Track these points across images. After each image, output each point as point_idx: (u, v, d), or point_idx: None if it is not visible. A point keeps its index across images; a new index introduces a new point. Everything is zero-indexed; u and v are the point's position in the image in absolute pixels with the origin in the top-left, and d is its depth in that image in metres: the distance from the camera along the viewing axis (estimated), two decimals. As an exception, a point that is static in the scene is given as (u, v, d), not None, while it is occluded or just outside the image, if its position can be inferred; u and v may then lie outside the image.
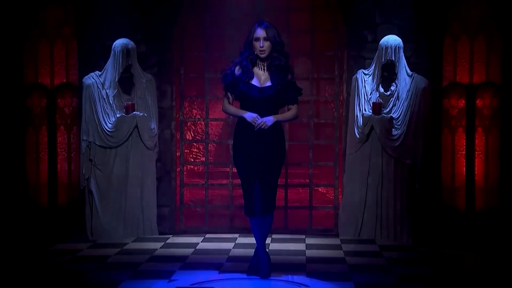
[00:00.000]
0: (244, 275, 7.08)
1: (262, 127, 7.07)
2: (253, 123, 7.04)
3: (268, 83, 7.12)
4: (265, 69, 7.22)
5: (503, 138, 8.34)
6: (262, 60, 7.16)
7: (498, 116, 8.34)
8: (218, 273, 7.19)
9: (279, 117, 7.17)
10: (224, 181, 8.76)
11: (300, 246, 8.05)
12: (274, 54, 7.19)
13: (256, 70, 7.19)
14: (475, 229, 8.23)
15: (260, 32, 7.15)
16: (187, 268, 7.33)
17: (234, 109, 7.28)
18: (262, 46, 7.14)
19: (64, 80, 8.46)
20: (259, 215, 7.08)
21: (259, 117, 7.03)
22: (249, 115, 7.04)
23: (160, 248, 7.86)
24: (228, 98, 7.27)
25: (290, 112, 7.30)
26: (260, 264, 7.09)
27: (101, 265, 7.32)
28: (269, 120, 7.03)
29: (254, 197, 7.11)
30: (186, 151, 8.90)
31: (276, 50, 7.20)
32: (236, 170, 7.50)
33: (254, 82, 7.13)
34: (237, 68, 7.20)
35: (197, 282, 6.93)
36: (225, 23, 8.65)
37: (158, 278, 7.00)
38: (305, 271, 7.20)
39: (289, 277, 7.08)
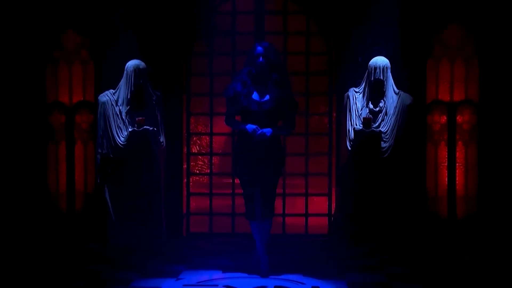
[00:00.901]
0: (246, 274, 7.11)
1: (262, 138, 7.07)
2: (253, 134, 7.06)
3: (267, 97, 7.14)
4: (265, 84, 7.18)
5: (481, 151, 8.33)
6: (262, 75, 7.13)
7: (476, 131, 8.34)
8: (222, 273, 7.21)
9: (277, 129, 7.18)
10: (227, 191, 8.70)
11: (297, 249, 8.02)
12: (273, 70, 7.17)
13: (256, 85, 7.17)
14: (457, 233, 8.21)
15: (260, 50, 7.13)
16: (193, 268, 7.34)
17: (235, 122, 7.24)
18: (262, 62, 7.12)
19: (82, 98, 8.47)
20: (259, 219, 7.09)
21: (259, 128, 7.06)
22: (249, 127, 7.06)
23: (168, 251, 7.82)
24: (230, 111, 7.23)
25: (287, 125, 7.28)
26: (261, 264, 7.11)
27: (113, 265, 7.34)
28: (268, 131, 7.06)
29: (254, 202, 7.10)
30: (192, 163, 8.89)
31: (274, 67, 7.17)
32: (237, 178, 7.50)
33: (254, 96, 7.14)
34: (238, 83, 7.17)
35: (202, 280, 6.97)
36: (228, 47, 8.61)
37: (166, 277, 7.01)
38: (301, 271, 7.21)
39: (287, 276, 7.08)
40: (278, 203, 7.97)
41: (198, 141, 9.31)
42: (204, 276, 7.06)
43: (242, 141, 7.10)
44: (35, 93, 8.35)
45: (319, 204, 8.73)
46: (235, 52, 8.46)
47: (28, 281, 6.69)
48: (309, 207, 8.62)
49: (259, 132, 6.91)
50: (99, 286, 6.62)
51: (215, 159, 8.94)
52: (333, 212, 8.37)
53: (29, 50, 8.29)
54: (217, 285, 6.67)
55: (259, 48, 6.99)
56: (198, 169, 9.24)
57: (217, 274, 7.11)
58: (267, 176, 7.09)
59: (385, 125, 7.77)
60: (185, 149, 8.61)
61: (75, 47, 8.43)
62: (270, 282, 6.76)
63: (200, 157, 9.27)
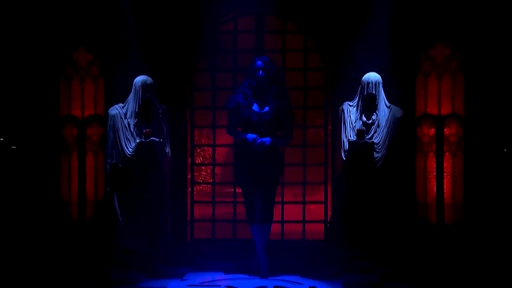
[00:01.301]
0: (246, 276, 7.18)
1: (261, 147, 7.09)
2: (253, 143, 7.08)
3: (267, 109, 7.16)
4: (264, 96, 7.19)
5: (467, 162, 8.30)
6: (262, 88, 7.15)
7: (462, 143, 8.32)
8: (224, 274, 7.29)
9: (276, 138, 7.19)
10: (229, 199, 8.70)
11: (295, 254, 8.04)
12: (272, 83, 7.19)
13: (256, 96, 7.18)
14: (445, 238, 8.21)
15: (260, 64, 7.14)
16: (196, 270, 7.41)
17: (237, 131, 7.26)
18: (261, 75, 7.13)
19: (93, 112, 8.47)
20: (259, 223, 7.15)
21: (259, 137, 7.07)
22: (250, 136, 7.08)
23: (173, 255, 7.84)
24: (232, 121, 7.24)
25: (285, 135, 7.29)
26: (260, 266, 7.17)
27: (121, 267, 7.37)
28: (267, 140, 7.07)
29: (254, 207, 7.14)
30: (196, 173, 8.87)
31: (273, 79, 7.18)
32: (238, 184, 7.52)
33: (254, 107, 7.16)
34: (240, 95, 7.19)
35: (205, 281, 7.05)
36: (230, 63, 8.60)
37: (172, 278, 7.09)
38: (299, 273, 7.28)
39: (286, 277, 7.15)
40: (277, 210, 8.00)
41: (201, 153, 9.26)
42: (207, 277, 7.12)
43: (243, 149, 7.11)
44: (49, 107, 8.34)
45: (316, 211, 8.71)
46: (236, 68, 8.48)
47: (43, 281, 6.76)
48: (306, 214, 8.59)
49: (259, 141, 6.99)
50: (107, 285, 6.72)
51: (217, 170, 8.94)
52: (329, 219, 8.34)
53: (43, 66, 8.30)
54: (219, 286, 6.76)
55: (259, 62, 7.03)
56: (201, 179, 9.22)
57: (220, 276, 7.18)
58: (266, 183, 7.11)
59: (377, 137, 7.76)
60: (189, 160, 8.59)
61: (87, 64, 8.44)
62: (270, 283, 6.84)
63: (203, 167, 9.26)
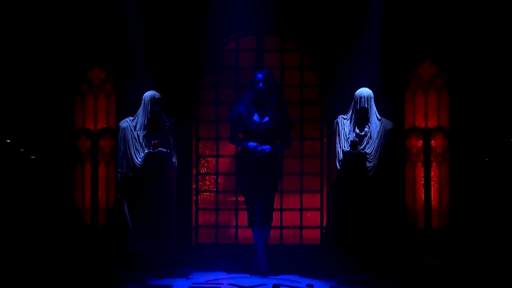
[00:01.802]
0: (247, 275, 7.20)
1: (262, 154, 7.14)
2: (254, 151, 7.12)
3: (266, 119, 7.21)
4: (264, 106, 7.21)
5: (452, 171, 8.36)
6: (262, 99, 7.19)
7: (448, 154, 8.39)
8: (227, 274, 7.32)
9: (275, 146, 7.24)
10: (231, 207, 8.69)
11: (293, 257, 8.03)
12: (271, 94, 7.22)
13: (256, 107, 7.21)
14: (432, 242, 8.27)
15: (260, 77, 7.17)
16: (201, 270, 7.42)
17: (238, 140, 7.29)
18: (262, 87, 7.17)
19: (105, 125, 8.57)
20: (260, 226, 7.18)
21: (259, 145, 7.11)
22: (251, 144, 7.12)
23: (179, 257, 7.84)
24: (234, 130, 7.26)
25: (284, 142, 7.33)
26: (261, 265, 7.19)
27: (131, 268, 7.40)
28: (267, 148, 7.13)
29: (255, 211, 7.16)
30: (200, 183, 8.90)
31: (272, 91, 7.22)
32: (240, 189, 7.49)
33: (255, 117, 7.21)
34: (241, 106, 7.21)
35: (209, 280, 7.08)
36: (232, 80, 8.63)
37: (177, 277, 7.10)
38: (297, 273, 7.31)
39: (284, 276, 7.16)
40: (276, 216, 8.07)
41: (205, 164, 9.18)
42: (211, 276, 7.19)
43: (244, 156, 7.18)
44: (65, 121, 8.47)
45: (312, 218, 8.74)
46: (238, 84, 8.54)
47: (59, 281, 6.82)
48: (303, 220, 8.62)
49: (259, 148, 7.05)
50: (118, 284, 6.77)
51: (220, 179, 8.93)
52: (324, 225, 8.41)
53: (61, 84, 8.42)
54: (222, 284, 6.82)
55: (259, 76, 7.10)
56: (205, 188, 9.21)
57: (222, 275, 7.25)
58: (266, 189, 7.15)
59: (369, 147, 7.81)
60: (194, 171, 8.65)
61: (100, 82, 8.56)
62: (269, 281, 6.90)
63: (207, 177, 9.19)
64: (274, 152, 7.14)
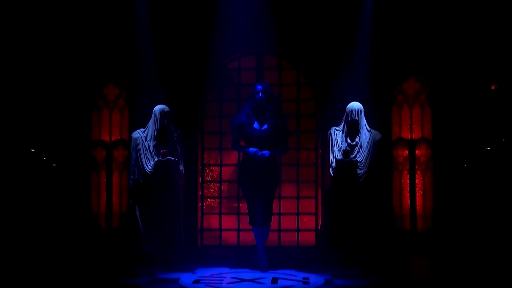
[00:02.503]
0: (249, 270, 7.46)
1: (261, 158, 7.26)
2: (255, 156, 7.24)
3: (265, 126, 7.32)
4: (263, 115, 7.31)
5: (435, 178, 8.45)
6: (261, 108, 7.29)
7: (431, 162, 8.47)
8: (229, 269, 7.57)
9: (274, 151, 7.36)
10: (233, 212, 8.82)
11: (291, 256, 8.19)
12: (270, 104, 7.33)
13: (256, 116, 7.30)
14: (417, 243, 8.36)
15: (260, 88, 7.31)
16: (206, 266, 7.67)
17: (240, 146, 7.43)
18: (261, 97, 7.28)
19: (119, 137, 8.68)
20: (260, 225, 7.39)
21: (259, 151, 7.24)
22: (251, 150, 7.26)
23: (185, 257, 7.99)
24: (236, 138, 7.38)
25: (282, 148, 7.46)
26: (261, 261, 7.43)
27: (142, 265, 7.63)
28: (266, 153, 7.28)
29: (255, 212, 7.35)
30: (205, 190, 8.96)
31: (271, 101, 7.33)
32: (242, 191, 7.61)
33: (255, 125, 7.32)
34: (242, 115, 7.33)
35: (214, 274, 7.33)
36: (234, 95, 8.73)
37: (184, 272, 7.36)
38: (295, 268, 7.56)
39: (283, 271, 7.41)
40: (275, 220, 8.19)
41: (210, 173, 9.03)
42: (215, 271, 7.46)
43: (246, 161, 7.36)
44: (83, 133, 8.57)
45: (308, 222, 8.78)
46: (240, 99, 8.63)
47: (78, 275, 7.12)
48: (300, 224, 8.68)
49: (259, 153, 7.21)
50: (130, 277, 7.07)
51: (224, 186, 9.00)
52: (319, 228, 8.48)
53: (80, 100, 8.56)
54: (225, 277, 7.12)
55: (259, 87, 7.30)
56: (210, 194, 9.10)
57: (226, 270, 7.52)
58: (265, 192, 7.33)
59: (360, 156, 7.85)
60: (199, 179, 8.74)
61: (114, 97, 8.68)
62: (269, 275, 7.22)
63: (211, 184, 9.06)
64: (273, 159, 7.28)
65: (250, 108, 7.23)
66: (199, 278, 6.97)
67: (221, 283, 6.78)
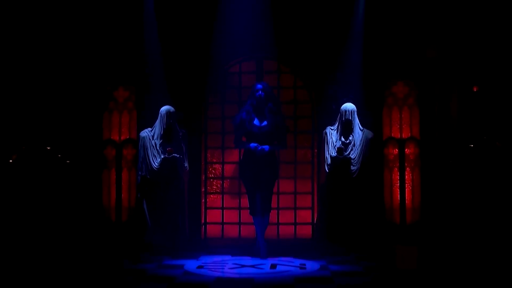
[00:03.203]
0: (249, 257, 7.72)
1: (261, 153, 7.47)
2: (255, 150, 7.46)
3: (265, 123, 7.53)
4: (263, 112, 7.47)
5: (423, 174, 8.55)
6: (261, 106, 7.49)
7: (419, 160, 8.57)
8: (231, 256, 7.84)
9: (273, 146, 7.57)
10: (235, 206, 8.93)
11: (289, 247, 8.37)
12: (269, 102, 7.52)
13: (256, 113, 7.48)
14: (406, 234, 8.45)
15: (259, 86, 7.54)
16: (209, 254, 7.92)
17: (242, 142, 7.65)
18: (261, 95, 7.48)
19: (128, 137, 8.77)
20: (260, 215, 7.64)
21: (259, 145, 7.45)
22: (252, 145, 7.50)
23: (190, 247, 8.18)
24: (237, 134, 7.57)
25: (280, 143, 7.65)
26: (261, 249, 7.68)
27: (150, 253, 7.86)
28: (266, 147, 7.52)
29: (256, 202, 7.60)
30: (208, 187, 9.06)
31: (270, 99, 7.52)
32: (243, 183, 7.78)
33: (255, 121, 7.53)
34: (243, 113, 7.51)
35: (216, 260, 7.59)
36: (236, 97, 8.82)
37: (189, 259, 7.59)
38: (292, 256, 7.87)
39: (281, 258, 7.65)
40: (273, 214, 8.44)
41: (213, 171, 9.07)
42: (218, 258, 7.74)
43: (247, 155, 7.61)
44: (95, 133, 8.71)
45: (305, 216, 8.90)
46: (241, 101, 8.69)
47: (91, 262, 7.36)
48: (297, 218, 8.81)
49: (260, 148, 7.47)
50: (139, 263, 7.32)
51: (226, 183, 9.04)
52: (315, 221, 8.64)
53: (92, 102, 8.70)
54: (227, 263, 7.38)
55: (259, 86, 7.56)
56: (213, 190, 9.09)
57: (228, 257, 7.79)
58: (265, 183, 7.58)
59: (353, 153, 7.99)
60: (203, 177, 8.91)
61: (124, 100, 8.77)
62: (268, 261, 7.51)
63: (214, 181, 9.10)
64: (273, 154, 7.47)
65: (250, 106, 7.42)
66: (203, 264, 7.19)
67: (224, 268, 7.02)
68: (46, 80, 8.58)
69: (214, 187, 9.18)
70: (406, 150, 8.58)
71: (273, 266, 7.12)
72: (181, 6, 8.72)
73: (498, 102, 8.30)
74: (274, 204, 8.22)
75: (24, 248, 7.65)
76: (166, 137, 8.02)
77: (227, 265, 7.17)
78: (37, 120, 8.55)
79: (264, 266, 7.13)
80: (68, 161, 8.51)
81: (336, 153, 7.92)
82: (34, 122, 8.53)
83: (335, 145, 7.99)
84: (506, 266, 6.87)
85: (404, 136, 8.60)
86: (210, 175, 9.13)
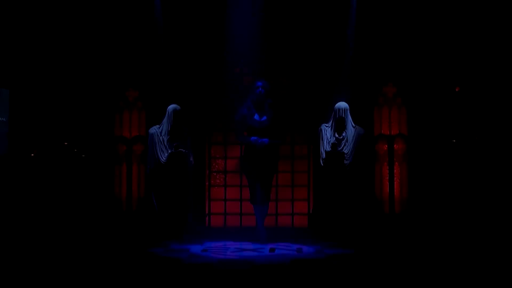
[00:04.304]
0: (250, 243, 8.02)
1: (262, 145, 7.69)
2: (256, 143, 7.69)
3: (264, 117, 7.79)
4: (262, 107, 7.66)
5: (410, 169, 8.79)
6: (260, 101, 7.69)
7: (406, 155, 8.83)
8: (233, 242, 8.15)
9: (273, 140, 7.75)
10: (236, 197, 9.06)
11: (286, 234, 8.55)
12: (268, 98, 7.71)
13: (256, 108, 7.66)
14: (395, 223, 8.71)
15: (259, 83, 7.71)
16: (213, 240, 8.17)
17: (243, 136, 7.87)
18: (261, 91, 7.67)
19: (137, 134, 9.05)
20: (260, 204, 7.93)
21: (259, 139, 7.67)
22: (253, 138, 7.76)
23: (195, 234, 8.31)
24: (239, 129, 7.75)
25: (279, 137, 7.81)
26: (260, 235, 8.01)
27: (157, 239, 8.00)
28: (266, 140, 7.78)
29: (256, 192, 7.85)
30: (212, 181, 9.18)
31: (269, 95, 7.70)
32: (244, 174, 7.97)
33: (255, 116, 7.77)
34: (244, 108, 7.69)
35: (219, 245, 7.91)
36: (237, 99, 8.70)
37: (194, 244, 7.85)
38: (290, 241, 8.07)
39: (279, 243, 7.91)
40: (272, 205, 8.73)
41: (216, 165, 9.17)
42: (220, 243, 8.00)
43: (248, 148, 7.87)
44: (107, 130, 8.98)
45: (301, 207, 9.09)
46: (241, 102, 8.25)
47: (104, 248, 7.51)
48: (294, 208, 9.01)
49: (260, 141, 7.74)
50: (148, 247, 7.59)
51: (228, 177, 9.13)
52: (311, 212, 8.87)
53: (105, 102, 8.94)
54: (229, 247, 7.71)
55: (259, 83, 7.78)
56: (216, 183, 9.16)
57: (230, 243, 8.07)
58: (265, 173, 7.81)
59: (346, 148, 8.07)
60: (207, 171, 9.09)
61: (134, 99, 9.05)
62: (267, 246, 7.79)
63: (217, 175, 9.15)
64: (272, 147, 7.65)
65: (251, 102, 7.63)
66: (207, 248, 7.51)
67: (226, 252, 7.34)
68: (63, 82, 8.77)
69: (218, 180, 9.27)
70: (395, 145, 8.84)
71: (272, 249, 7.44)
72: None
73: (477, 101, 8.49)
74: (273, 196, 8.46)
75: (45, 232, 7.93)
76: (173, 133, 8.15)
77: (229, 249, 7.45)
78: (55, 119, 8.76)
79: (263, 250, 7.38)
80: (83, 156, 8.79)
81: (330, 148, 8.06)
82: (53, 120, 8.73)
83: (330, 141, 8.12)
84: (486, 250, 7.03)
85: (393, 133, 8.85)
86: (214, 169, 9.19)
